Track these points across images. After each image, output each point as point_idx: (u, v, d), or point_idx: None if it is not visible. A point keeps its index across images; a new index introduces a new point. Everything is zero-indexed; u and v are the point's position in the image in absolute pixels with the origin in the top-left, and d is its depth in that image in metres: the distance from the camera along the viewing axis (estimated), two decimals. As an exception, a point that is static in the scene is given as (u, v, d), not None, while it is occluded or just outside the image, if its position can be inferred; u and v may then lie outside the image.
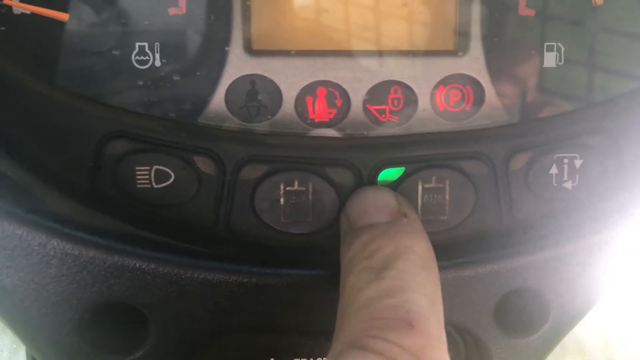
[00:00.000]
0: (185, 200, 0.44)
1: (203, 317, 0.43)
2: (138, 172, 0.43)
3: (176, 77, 0.45)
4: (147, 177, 0.43)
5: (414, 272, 0.38)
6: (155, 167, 0.43)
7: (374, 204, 0.42)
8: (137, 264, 0.42)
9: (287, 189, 0.44)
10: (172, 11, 0.45)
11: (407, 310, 0.35)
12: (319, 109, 0.47)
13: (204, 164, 0.44)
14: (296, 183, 0.44)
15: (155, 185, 0.43)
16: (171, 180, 0.43)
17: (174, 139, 0.43)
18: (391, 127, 0.47)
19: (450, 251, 0.45)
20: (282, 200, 0.44)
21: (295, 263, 0.45)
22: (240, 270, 0.43)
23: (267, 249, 0.45)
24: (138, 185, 0.43)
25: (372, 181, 0.45)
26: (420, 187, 0.45)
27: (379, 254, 0.38)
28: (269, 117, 0.46)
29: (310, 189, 0.44)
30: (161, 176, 0.43)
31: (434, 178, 0.45)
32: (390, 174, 0.45)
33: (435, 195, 0.45)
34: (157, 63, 0.45)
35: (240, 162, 0.44)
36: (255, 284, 0.43)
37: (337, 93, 0.46)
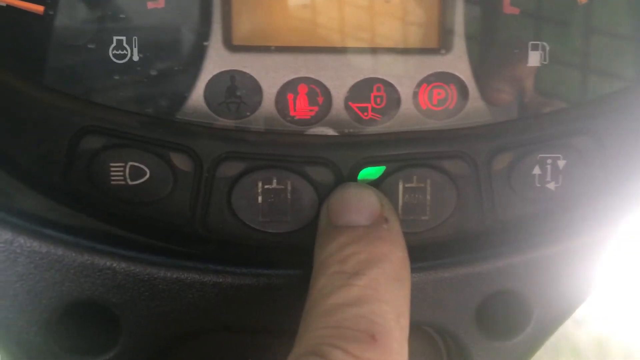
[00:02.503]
0: (161, 198, 0.43)
1: (177, 317, 0.42)
2: (112, 169, 0.42)
3: (154, 72, 0.44)
4: (121, 173, 0.42)
5: (385, 282, 0.37)
6: (130, 163, 0.42)
7: (357, 204, 0.41)
8: (108, 263, 0.41)
9: (265, 187, 0.43)
10: (150, 5, 0.44)
11: (372, 321, 0.35)
12: (300, 106, 0.46)
13: (180, 161, 0.43)
14: (274, 181, 0.43)
15: (130, 182, 0.42)
16: (146, 177, 0.42)
17: (150, 134, 0.42)
18: (374, 125, 0.46)
19: (431, 252, 0.45)
20: (260, 198, 0.43)
21: (273, 263, 0.44)
22: (215, 269, 0.42)
23: (244, 248, 0.44)
24: (112, 182, 0.42)
25: (353, 179, 0.44)
26: (401, 187, 0.44)
27: (354, 259, 0.38)
28: (249, 113, 0.45)
29: (289, 187, 0.43)
30: (136, 173, 0.42)
31: (415, 177, 0.44)
32: (370, 172, 0.44)
33: (417, 195, 0.44)
34: (135, 57, 0.44)
35: (218, 159, 0.43)
36: (230, 284, 0.42)
37: (319, 90, 0.46)
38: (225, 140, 0.43)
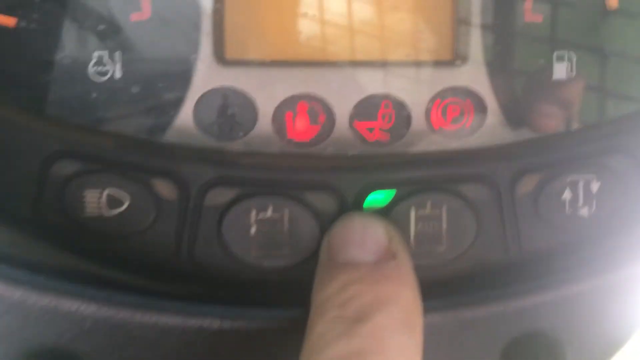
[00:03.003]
0: (142, 230, 0.38)
1: (156, 367, 0.38)
2: (87, 197, 0.38)
3: (138, 90, 0.40)
4: (97, 202, 0.38)
5: (392, 329, 0.32)
6: (107, 190, 0.38)
7: (361, 237, 0.37)
8: (75, 306, 0.36)
9: (260, 216, 0.39)
10: (134, 17, 0.41)
11: None
12: (299, 125, 0.42)
13: (163, 188, 0.38)
14: (270, 209, 0.39)
15: (106, 212, 0.38)
16: (125, 206, 0.38)
17: (129, 158, 0.38)
18: (381, 146, 0.42)
19: (449, 288, 0.40)
20: (253, 229, 0.39)
21: (268, 302, 0.39)
22: (201, 311, 0.37)
23: (235, 285, 0.39)
24: (87, 212, 0.38)
25: (358, 207, 0.40)
26: (413, 214, 0.39)
27: (356, 302, 0.33)
28: (243, 134, 0.41)
29: (287, 216, 0.39)
30: (114, 201, 0.38)
31: (429, 203, 0.39)
32: (378, 199, 0.40)
33: (431, 223, 0.39)
34: (117, 74, 0.40)
35: (206, 185, 0.38)
36: (218, 328, 0.37)
37: (320, 108, 0.42)
38: (214, 164, 0.39)
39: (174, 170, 0.38)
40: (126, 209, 0.38)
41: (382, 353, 0.31)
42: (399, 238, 0.38)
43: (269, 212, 0.39)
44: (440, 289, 0.39)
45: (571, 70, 0.43)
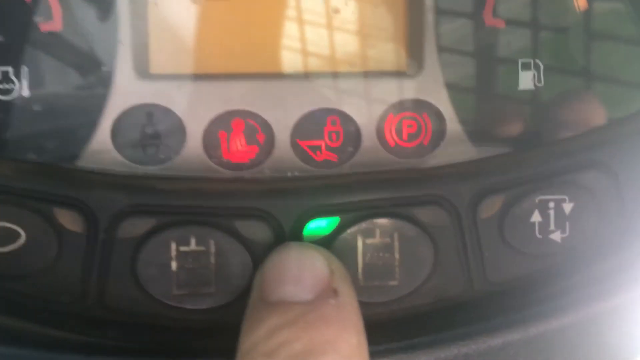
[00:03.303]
0: (42, 268, 0.34)
1: None
2: (-24, 232, 0.33)
3: (48, 110, 0.37)
4: (-11, 237, 0.33)
5: None
6: (0, 223, 0.33)
7: (297, 271, 0.32)
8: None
9: (181, 249, 0.34)
10: (44, 27, 0.37)
11: None
12: (235, 146, 0.38)
13: (67, 219, 0.34)
14: (193, 241, 0.34)
15: (0, 248, 0.33)
16: (21, 241, 0.34)
17: (27, 185, 0.33)
18: (330, 167, 0.39)
19: (404, 329, 0.36)
20: (174, 264, 0.34)
21: (193, 350, 0.35)
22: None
23: (153, 331, 0.35)
24: (-24, 249, 0.33)
25: (297, 237, 0.35)
26: (360, 244, 0.35)
27: (286, 350, 0.28)
28: (171, 158, 0.38)
29: (213, 249, 0.34)
30: (8, 236, 0.33)
31: (378, 231, 0.35)
32: (320, 227, 0.35)
33: (381, 254, 0.35)
34: (25, 92, 0.37)
35: (119, 215, 0.34)
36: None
37: (258, 126, 0.38)
38: (128, 190, 0.35)
39: (79, 199, 0.34)
40: (22, 245, 0.34)
41: None
42: (343, 272, 0.33)
43: (192, 245, 0.34)
44: (392, 330, 0.36)
45: (538, 80, 0.40)
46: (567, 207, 0.37)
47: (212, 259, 0.34)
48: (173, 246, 0.34)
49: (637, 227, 0.38)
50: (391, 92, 0.39)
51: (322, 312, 0.30)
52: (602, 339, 0.37)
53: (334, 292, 0.31)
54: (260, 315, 0.31)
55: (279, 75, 0.38)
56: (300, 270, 0.32)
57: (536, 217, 0.37)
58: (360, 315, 0.32)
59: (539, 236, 0.37)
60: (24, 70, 0.37)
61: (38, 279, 0.34)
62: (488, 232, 0.36)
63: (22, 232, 0.33)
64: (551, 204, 0.37)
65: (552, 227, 0.37)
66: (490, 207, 0.37)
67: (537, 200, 0.37)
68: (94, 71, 0.37)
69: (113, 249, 0.34)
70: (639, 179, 0.38)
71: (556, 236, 0.37)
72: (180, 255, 0.34)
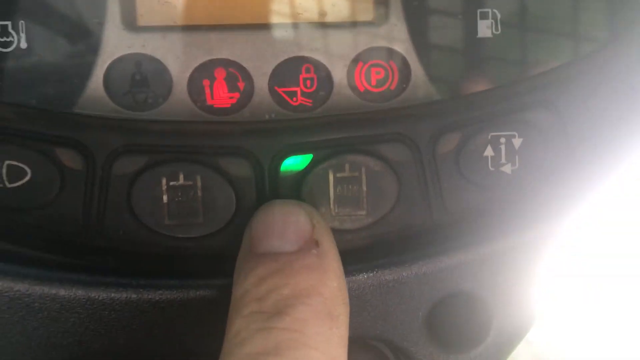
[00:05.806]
0: (46, 202, 0.37)
1: (60, 344, 0.36)
2: (-14, 170, 0.36)
3: (45, 60, 0.39)
4: (-3, 175, 0.36)
5: (314, 322, 0.31)
6: (7, 162, 0.36)
7: (282, 226, 0.35)
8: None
9: (171, 183, 0.37)
10: None
11: None
12: (218, 93, 0.41)
13: (68, 157, 0.37)
14: (181, 177, 0.37)
15: (8, 185, 0.36)
16: (27, 177, 0.36)
17: (31, 127, 0.36)
18: (305, 112, 0.41)
19: (371, 252, 0.39)
20: (165, 197, 0.37)
21: (182, 273, 0.38)
22: (107, 282, 0.36)
23: (148, 257, 0.38)
24: (-14, 186, 0.36)
25: (275, 172, 0.38)
26: (331, 177, 0.38)
27: (274, 295, 0.31)
28: (159, 103, 0.40)
29: (199, 183, 0.37)
30: (15, 173, 0.36)
31: (347, 166, 0.38)
32: (295, 162, 0.38)
33: (350, 187, 0.38)
34: (23, 45, 0.39)
35: (114, 154, 0.37)
36: (127, 300, 0.36)
37: (239, 74, 0.40)
38: (122, 132, 0.38)
39: (78, 140, 0.37)
40: (28, 181, 0.36)
41: (304, 346, 0.30)
42: (323, 225, 0.36)
43: (181, 180, 0.37)
44: (361, 254, 0.38)
45: (495, 29, 0.42)
46: (517, 142, 0.40)
47: (199, 193, 0.37)
48: (164, 181, 0.37)
49: (580, 158, 0.41)
50: (359, 41, 0.41)
51: (305, 261, 0.33)
52: (543, 258, 0.41)
53: (316, 243, 0.34)
54: (249, 265, 0.33)
55: (258, 27, 0.40)
56: (284, 225, 0.35)
57: (489, 152, 0.39)
58: (340, 262, 0.35)
59: (491, 169, 0.40)
60: (22, 24, 0.38)
61: (44, 211, 0.37)
62: (446, 166, 0.39)
63: (28, 170, 0.36)
64: (502, 140, 0.40)
65: (503, 160, 0.40)
66: (448, 143, 0.39)
67: (489, 137, 0.39)
68: (86, 24, 0.39)
69: (110, 184, 0.37)
70: (581, 116, 0.40)
71: (507, 168, 0.40)
72: (170, 189, 0.37)
